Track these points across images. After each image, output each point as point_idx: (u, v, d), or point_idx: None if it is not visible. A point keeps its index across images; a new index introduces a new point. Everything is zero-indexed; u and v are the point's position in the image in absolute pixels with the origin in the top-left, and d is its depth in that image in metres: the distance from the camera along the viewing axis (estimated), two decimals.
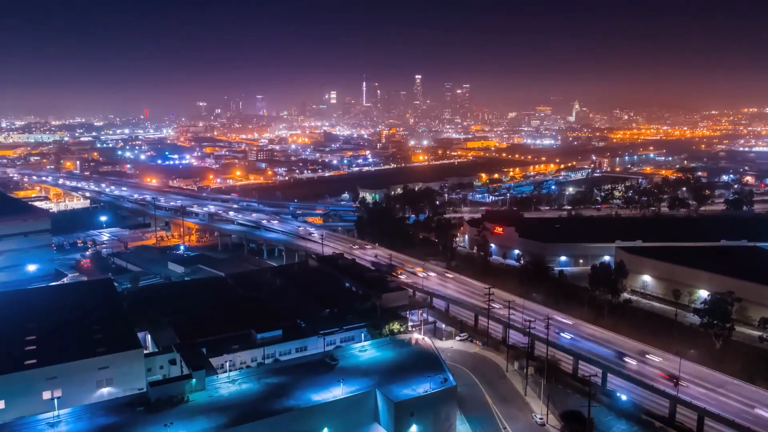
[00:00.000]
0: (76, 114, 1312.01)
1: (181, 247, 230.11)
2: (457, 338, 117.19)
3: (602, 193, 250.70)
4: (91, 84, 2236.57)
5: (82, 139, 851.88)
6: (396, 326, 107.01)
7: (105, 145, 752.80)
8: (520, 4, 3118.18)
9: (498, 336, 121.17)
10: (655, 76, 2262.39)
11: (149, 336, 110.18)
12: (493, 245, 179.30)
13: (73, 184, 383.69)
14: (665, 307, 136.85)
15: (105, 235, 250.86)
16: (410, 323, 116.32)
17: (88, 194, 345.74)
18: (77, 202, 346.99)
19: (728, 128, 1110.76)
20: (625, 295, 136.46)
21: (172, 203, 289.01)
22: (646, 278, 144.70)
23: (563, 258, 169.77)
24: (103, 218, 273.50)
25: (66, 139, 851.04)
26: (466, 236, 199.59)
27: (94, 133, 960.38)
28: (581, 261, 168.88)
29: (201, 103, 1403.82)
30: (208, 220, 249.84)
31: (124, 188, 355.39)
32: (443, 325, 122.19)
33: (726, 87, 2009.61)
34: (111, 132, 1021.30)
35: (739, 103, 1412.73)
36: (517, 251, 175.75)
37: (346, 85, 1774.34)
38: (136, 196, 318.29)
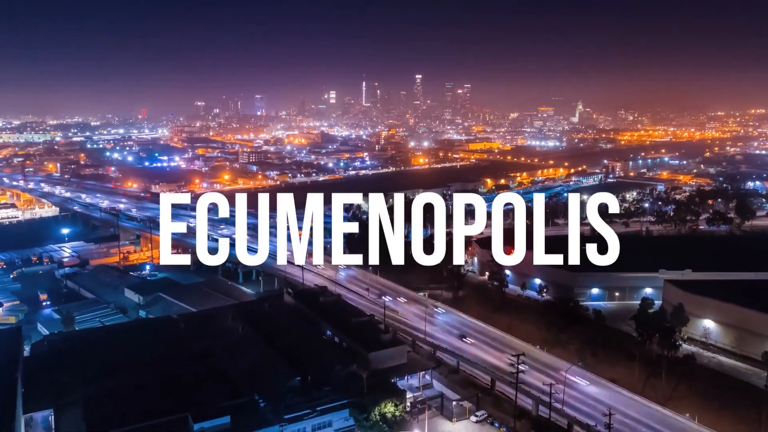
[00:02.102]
0: (76, 114, 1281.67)
1: (147, 267, 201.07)
2: (473, 418, 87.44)
3: (629, 205, 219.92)
4: (91, 84, 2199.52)
5: (74, 139, 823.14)
6: (389, 408, 77.78)
7: (95, 145, 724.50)
8: (521, 3, 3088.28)
9: (526, 406, 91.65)
10: (658, 75, 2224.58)
11: (53, 418, 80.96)
12: (508, 272, 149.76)
13: (47, 189, 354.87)
14: (737, 365, 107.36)
15: (66, 250, 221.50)
16: (409, 396, 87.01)
17: (58, 201, 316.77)
18: (48, 210, 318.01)
19: (737, 130, 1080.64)
20: (686, 347, 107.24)
21: (146, 213, 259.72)
22: (708, 324, 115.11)
23: (595, 290, 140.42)
24: (65, 230, 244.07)
25: (57, 139, 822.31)
26: (476, 259, 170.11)
27: (87, 133, 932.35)
28: (617, 294, 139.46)
29: (199, 103, 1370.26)
30: (181, 235, 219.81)
31: (99, 194, 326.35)
32: (453, 397, 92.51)
33: (731, 87, 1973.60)
34: (106, 132, 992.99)
35: (745, 103, 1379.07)
36: (538, 280, 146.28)
37: (345, 84, 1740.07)
38: (107, 203, 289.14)
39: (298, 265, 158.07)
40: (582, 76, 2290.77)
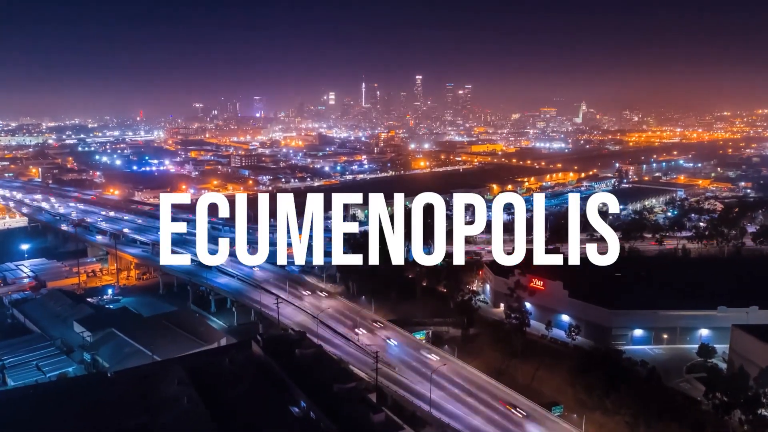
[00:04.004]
0: (75, 116, 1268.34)
1: (110, 291, 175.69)
2: None
3: (659, 216, 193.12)
4: (91, 86, 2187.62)
5: (68, 141, 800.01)
6: None
7: (87, 148, 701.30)
8: (522, 2, 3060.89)
9: None
10: (661, 75, 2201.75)
11: None
12: (528, 304, 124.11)
13: (19, 196, 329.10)
14: None
15: (24, 269, 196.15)
16: None
17: (29, 211, 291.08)
18: (19, 220, 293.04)
19: (745, 130, 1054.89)
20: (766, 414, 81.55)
21: (117, 225, 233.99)
22: None
23: (638, 332, 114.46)
24: (25, 246, 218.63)
25: (50, 141, 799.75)
26: (488, 286, 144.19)
27: (82, 135, 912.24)
28: (665, 336, 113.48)
29: (197, 105, 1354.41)
30: (151, 252, 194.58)
31: (75, 203, 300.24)
32: None
33: (736, 87, 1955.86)
34: (101, 134, 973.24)
35: (751, 103, 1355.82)
36: (566, 317, 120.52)
37: (345, 85, 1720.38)
38: (76, 213, 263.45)
39: (274, 296, 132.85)
40: (583, 76, 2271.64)
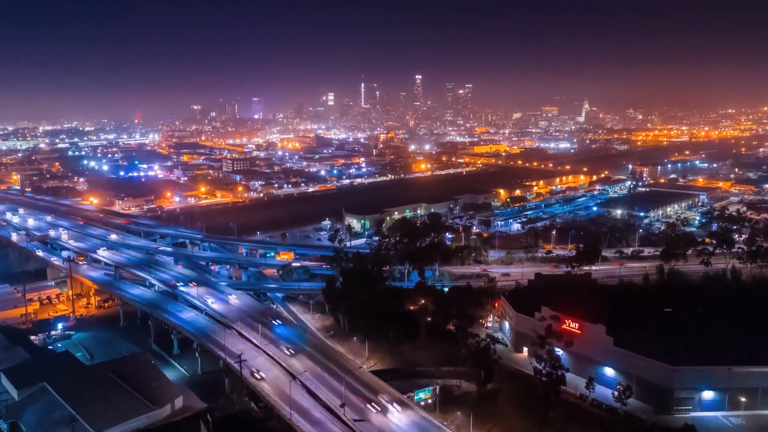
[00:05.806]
0: (74, 119, 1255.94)
1: (60, 325, 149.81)
2: None
3: (695, 228, 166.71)
4: (90, 89, 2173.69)
5: (60, 145, 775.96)
6: None
7: (78, 152, 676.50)
8: (522, 2, 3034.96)
9: None
10: (663, 72, 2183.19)
11: None
12: (560, 351, 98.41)
13: None
14: None
15: None
16: None
17: None
18: None
19: (753, 128, 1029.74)
20: None
21: (82, 243, 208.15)
22: None
23: (708, 394, 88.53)
24: None
25: (42, 146, 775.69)
26: (506, 324, 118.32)
27: (75, 139, 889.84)
28: (743, 400, 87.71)
29: (196, 107, 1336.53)
30: (114, 276, 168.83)
31: (47, 214, 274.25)
32: None
33: (740, 84, 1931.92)
34: (95, 138, 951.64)
35: (755, 101, 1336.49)
36: (610, 371, 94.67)
37: (344, 86, 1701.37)
38: (39, 226, 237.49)
39: (245, 340, 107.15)
40: (584, 74, 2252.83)
